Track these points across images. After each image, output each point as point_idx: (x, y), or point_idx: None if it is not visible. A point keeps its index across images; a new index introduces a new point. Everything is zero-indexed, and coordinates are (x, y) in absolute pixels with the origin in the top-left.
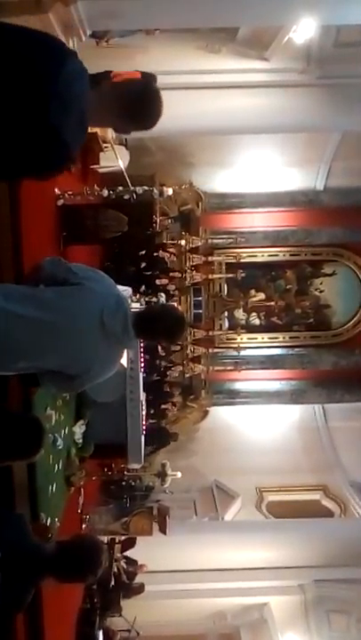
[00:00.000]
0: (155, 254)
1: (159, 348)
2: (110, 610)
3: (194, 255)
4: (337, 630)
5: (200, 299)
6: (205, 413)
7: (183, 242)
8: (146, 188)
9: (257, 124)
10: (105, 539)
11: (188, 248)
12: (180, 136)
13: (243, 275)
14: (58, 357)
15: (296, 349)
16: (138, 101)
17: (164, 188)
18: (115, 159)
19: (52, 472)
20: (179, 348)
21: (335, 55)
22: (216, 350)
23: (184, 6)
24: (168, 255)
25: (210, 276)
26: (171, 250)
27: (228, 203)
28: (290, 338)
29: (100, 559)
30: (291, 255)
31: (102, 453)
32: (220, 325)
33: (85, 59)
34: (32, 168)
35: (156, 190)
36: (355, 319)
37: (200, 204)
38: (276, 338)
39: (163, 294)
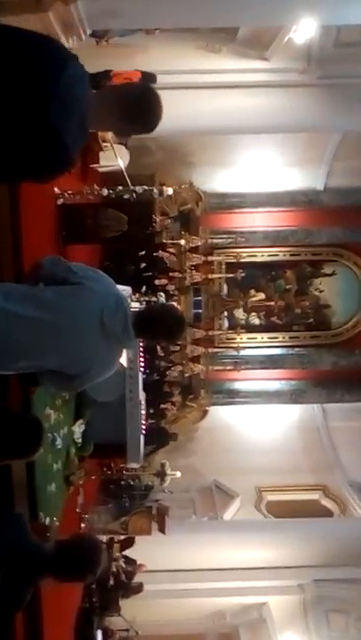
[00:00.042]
0: (154, 254)
1: (158, 347)
2: (109, 609)
3: (194, 255)
4: (336, 630)
5: (200, 298)
6: (205, 413)
7: (183, 241)
8: (146, 187)
9: (257, 124)
10: (104, 538)
11: (187, 248)
12: (180, 135)
13: (243, 274)
14: (58, 357)
15: (296, 349)
16: (138, 105)
17: (164, 188)
18: (114, 158)
19: (52, 471)
20: (178, 347)
21: (336, 55)
22: (216, 350)
23: (184, 6)
24: (168, 255)
25: (210, 276)
26: (170, 249)
27: (228, 202)
28: (290, 338)
29: (99, 559)
30: (291, 255)
31: (102, 453)
32: (220, 325)
33: (85, 58)
34: (32, 171)
35: (155, 190)
36: (355, 319)
37: (200, 203)
38: (275, 338)
39: (162, 294)
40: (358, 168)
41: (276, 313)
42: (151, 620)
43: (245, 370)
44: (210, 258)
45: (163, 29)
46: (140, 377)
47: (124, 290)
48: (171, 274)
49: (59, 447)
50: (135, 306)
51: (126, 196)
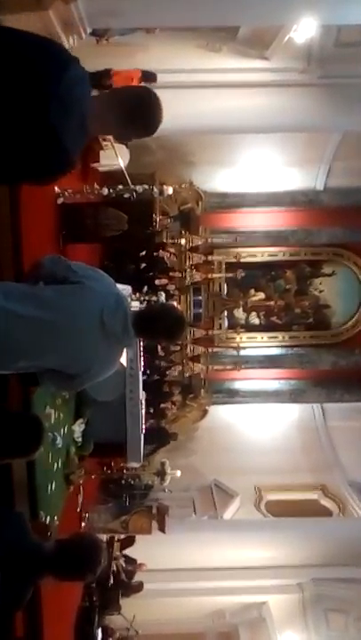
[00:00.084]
0: (155, 254)
1: (159, 347)
2: (109, 608)
3: (194, 254)
4: (335, 629)
5: (200, 298)
6: (205, 412)
7: (183, 241)
8: (146, 186)
9: (257, 124)
10: (104, 537)
11: (187, 247)
12: (180, 135)
13: (242, 274)
14: (58, 357)
15: (295, 349)
16: (138, 108)
17: (165, 187)
18: (115, 157)
19: (52, 470)
20: (178, 347)
21: (336, 55)
22: (216, 349)
23: (184, 5)
24: (168, 255)
25: (210, 276)
26: (170, 249)
27: (229, 202)
28: (289, 337)
29: (100, 558)
30: (290, 255)
31: (102, 452)
32: (220, 325)
33: (85, 57)
34: (32, 173)
35: (156, 189)
36: (354, 319)
37: (200, 203)
38: (275, 337)
39: (162, 293)
40: (358, 168)
41: (276, 313)
42: (151, 619)
43: (245, 369)
44: (210, 257)
45: (163, 28)
46: (141, 376)
47: (124, 289)
48: (171, 273)
49: (59, 446)
50: (135, 305)
51: (126, 196)
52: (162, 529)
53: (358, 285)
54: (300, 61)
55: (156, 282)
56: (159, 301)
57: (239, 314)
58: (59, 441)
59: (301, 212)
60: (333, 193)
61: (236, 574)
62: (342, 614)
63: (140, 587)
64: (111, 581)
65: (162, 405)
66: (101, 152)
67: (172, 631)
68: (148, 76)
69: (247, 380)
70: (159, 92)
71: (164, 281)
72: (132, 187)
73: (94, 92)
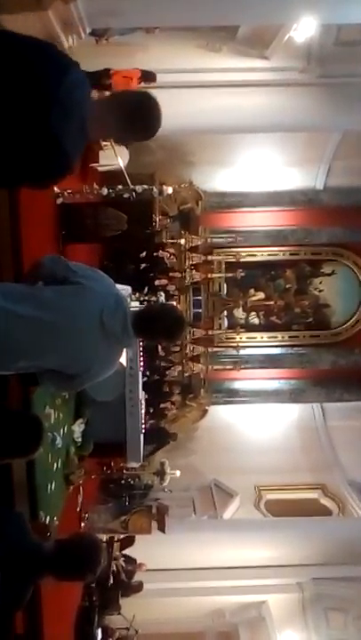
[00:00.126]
0: (154, 254)
1: (159, 347)
2: (109, 608)
3: (193, 254)
4: (335, 628)
5: (199, 298)
6: (204, 412)
7: (183, 241)
8: (146, 186)
9: (257, 123)
10: (104, 537)
11: (187, 247)
12: (180, 135)
13: (242, 274)
14: (58, 357)
15: (295, 349)
16: (137, 112)
17: (164, 187)
18: (114, 157)
19: (52, 471)
20: (178, 347)
21: (336, 54)
22: (215, 349)
23: (184, 4)
24: (168, 255)
25: (209, 276)
26: (170, 249)
27: (228, 202)
28: (289, 337)
29: (99, 558)
30: (290, 254)
31: (101, 452)
32: (220, 324)
33: (85, 57)
34: (32, 176)
35: (155, 189)
36: (354, 318)
37: (200, 202)
38: (275, 337)
39: (162, 293)
40: (358, 167)
41: (276, 312)
42: (151, 619)
43: (245, 369)
44: (210, 257)
45: (163, 28)
46: (140, 376)
47: (124, 289)
48: (171, 274)
49: (59, 446)
50: (135, 305)
51: (126, 196)
52: (162, 529)
53: (358, 285)
54: (300, 61)
55: (156, 282)
56: (159, 301)
57: (239, 313)
58: (58, 441)
59: (301, 211)
60: (333, 192)
61: (236, 574)
62: (342, 613)
63: (139, 586)
64: (111, 581)
65: (161, 405)
66: (101, 152)
67: (172, 631)
68: (148, 76)
69: (247, 380)
70: (159, 92)
71: (164, 281)
72: (131, 187)
73: (94, 93)
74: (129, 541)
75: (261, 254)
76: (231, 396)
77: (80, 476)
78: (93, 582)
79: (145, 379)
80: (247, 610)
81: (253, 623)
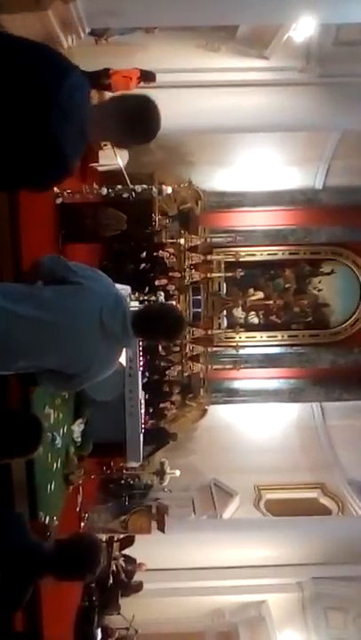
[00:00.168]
0: (154, 254)
1: (159, 347)
2: (109, 608)
3: (193, 254)
4: (334, 627)
5: (199, 297)
6: (204, 412)
7: (182, 240)
8: (145, 186)
9: (256, 123)
10: (104, 537)
11: (187, 247)
12: (179, 134)
13: (242, 273)
14: (58, 357)
15: (295, 348)
16: (137, 115)
17: (164, 187)
18: (114, 157)
19: (51, 471)
20: (178, 347)
21: (335, 54)
22: (215, 349)
23: (184, 4)
24: (167, 255)
25: (209, 275)
26: (169, 249)
27: (228, 201)
28: (288, 336)
29: (99, 558)
30: (290, 254)
31: (101, 452)
32: (219, 324)
33: (84, 56)
34: (31, 179)
35: (155, 189)
36: (353, 318)
37: (199, 202)
38: (274, 336)
39: (162, 293)
40: (357, 167)
41: (275, 312)
42: (151, 619)
43: (244, 369)
44: (209, 257)
45: (162, 28)
46: (140, 376)
47: (123, 289)
48: (170, 273)
49: (58, 446)
50: (135, 305)
51: (125, 195)
52: (161, 528)
53: (357, 284)
54: (300, 60)
55: (156, 282)
56: (158, 301)
57: (238, 313)
58: (58, 441)
59: (301, 211)
60: (333, 192)
61: (236, 573)
62: (342, 612)
63: (139, 586)
64: (111, 581)
65: (161, 405)
66: (100, 152)
67: (172, 630)
68: (148, 76)
69: (246, 380)
70: (158, 92)
71: (164, 281)
72: (131, 186)
73: (93, 93)
74: (129, 541)
75: (261, 254)
76: (231, 395)
77: (80, 476)
78: (93, 582)
79: (145, 379)
80: (247, 609)
81: (253, 623)
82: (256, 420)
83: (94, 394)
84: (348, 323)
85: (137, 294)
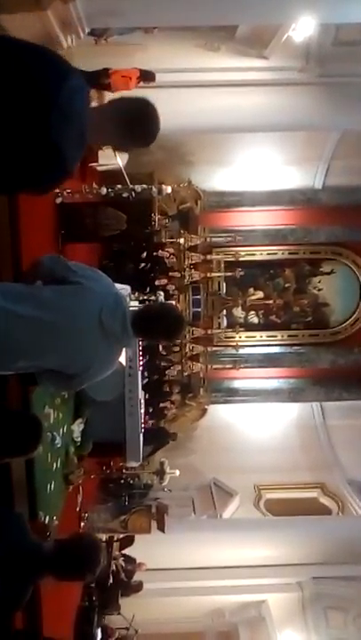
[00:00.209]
0: (154, 253)
1: (159, 347)
2: (109, 608)
3: (192, 254)
4: (334, 627)
5: (199, 297)
6: (204, 412)
7: (182, 240)
8: (145, 186)
9: (256, 123)
10: (103, 537)
11: (186, 246)
12: (179, 134)
13: (241, 273)
14: (57, 357)
15: (294, 348)
16: (137, 118)
17: (163, 187)
18: (113, 157)
19: (51, 470)
20: (177, 346)
21: (334, 54)
22: (215, 349)
23: (183, 4)
24: (167, 254)
25: (208, 275)
26: (169, 249)
27: (227, 201)
28: (288, 336)
29: (99, 558)
30: (289, 254)
31: (101, 452)
32: (219, 324)
33: (84, 56)
34: (30, 182)
35: (154, 188)
36: (353, 317)
37: (199, 202)
38: (274, 336)
39: (161, 293)
40: (357, 167)
41: (275, 311)
42: (150, 619)
43: (244, 368)
44: (209, 256)
45: (162, 28)
46: (140, 376)
47: (123, 289)
48: (170, 273)
49: (58, 446)
50: (134, 305)
51: (125, 195)
52: (161, 528)
53: (357, 284)
54: (299, 60)
55: (156, 282)
56: (158, 301)
57: (238, 313)
58: (58, 441)
59: (300, 210)
60: (332, 191)
61: (236, 573)
62: (342, 612)
63: (139, 586)
64: (110, 581)
65: (161, 405)
66: (100, 152)
67: (172, 630)
68: (147, 76)
69: (246, 379)
70: (158, 92)
71: (164, 281)
72: (130, 186)
73: (93, 92)
74: (128, 541)
75: (260, 253)
76: (231, 395)
77: (79, 476)
78: (93, 582)
79: (145, 379)
80: (247, 609)
81: (253, 623)
82: (256, 420)
83: (94, 394)
84: (347, 322)
85: (137, 294)
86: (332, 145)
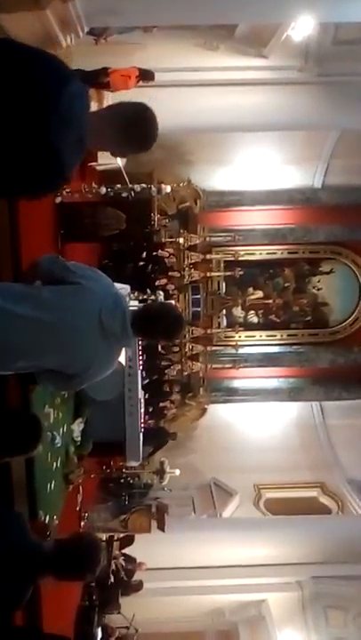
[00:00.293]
0: (153, 253)
1: (159, 346)
2: (109, 607)
3: (192, 253)
4: (334, 626)
5: (198, 297)
6: (204, 411)
7: (181, 240)
8: (144, 185)
9: (255, 122)
10: (104, 536)
11: (186, 246)
12: (178, 133)
13: (241, 273)
14: (57, 357)
15: (294, 347)
16: (135, 123)
17: (163, 186)
18: (113, 157)
19: (51, 470)
20: (177, 346)
21: (334, 53)
22: (214, 348)
23: (183, 3)
24: (167, 254)
25: (208, 274)
26: (169, 248)
27: (227, 200)
28: (288, 336)
29: (99, 557)
30: (289, 253)
31: (101, 451)
32: (219, 323)
33: (83, 56)
34: (29, 187)
35: (154, 188)
36: (352, 317)
37: (198, 201)
38: (274, 336)
39: (161, 292)
40: (356, 166)
41: (275, 311)
42: (151, 618)
43: (244, 368)
44: (208, 256)
45: (161, 27)
46: (140, 376)
47: (122, 288)
48: (170, 273)
49: (58, 446)
50: (134, 304)
51: (125, 195)
52: (161, 528)
53: (356, 283)
54: (298, 59)
55: (155, 281)
56: (158, 300)
57: (238, 312)
58: (58, 440)
59: (299, 210)
60: (331, 191)
61: (236, 572)
62: (341, 611)
63: (139, 585)
64: (111, 580)
65: (161, 404)
66: (99, 151)
67: (172, 630)
68: (146, 75)
69: (246, 379)
70: (157, 91)
71: (163, 280)
72: (130, 186)
73: (92, 92)
74: (128, 540)
75: (260, 253)
76: (230, 394)
77: (79, 476)
78: (93, 581)
79: (145, 378)
80: (247, 608)
81: (253, 622)
82: (256, 420)
83: (94, 393)
84: (347, 322)
85: (136, 294)
86: (332, 144)
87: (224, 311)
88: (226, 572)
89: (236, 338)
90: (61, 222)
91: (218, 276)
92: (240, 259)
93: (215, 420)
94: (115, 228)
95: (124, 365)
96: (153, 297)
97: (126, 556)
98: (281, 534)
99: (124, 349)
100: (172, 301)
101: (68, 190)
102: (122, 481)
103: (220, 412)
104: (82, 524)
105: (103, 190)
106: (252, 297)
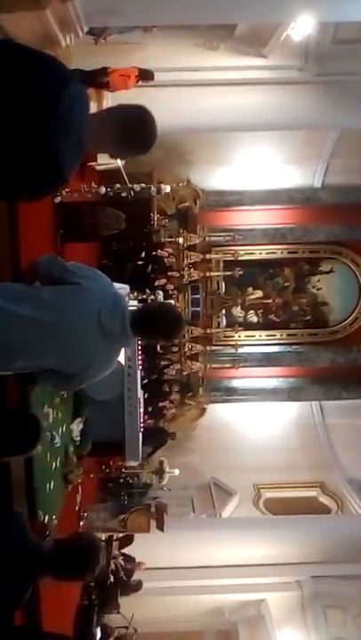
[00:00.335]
0: (153, 253)
1: (158, 346)
2: (108, 607)
3: (191, 253)
4: (334, 626)
5: (198, 296)
6: (203, 411)
7: (181, 239)
8: (144, 185)
9: (255, 122)
10: (103, 536)
11: (185, 246)
12: (178, 133)
13: (241, 272)
14: (57, 357)
15: (294, 347)
16: (134, 125)
17: (162, 186)
18: (112, 158)
19: (50, 470)
20: (177, 346)
21: (333, 52)
22: (214, 348)
23: (183, 3)
24: (166, 254)
25: (208, 274)
26: (168, 248)
27: (226, 200)
28: (287, 335)
29: (98, 557)
30: (288, 253)
31: (100, 451)
32: (218, 323)
33: (83, 55)
34: (27, 189)
35: (153, 188)
36: (352, 316)
37: (198, 201)
38: (273, 335)
39: (160, 292)
40: (356, 165)
41: (274, 311)
42: (150, 618)
43: (243, 367)
44: (208, 256)
45: (161, 27)
46: (139, 375)
47: (122, 288)
48: (169, 272)
49: (57, 445)
50: (133, 304)
51: (124, 194)
52: (160, 527)
53: (356, 283)
54: (298, 59)
55: (155, 281)
56: (157, 300)
57: (237, 312)
58: (57, 440)
59: (299, 209)
60: (331, 190)
61: (235, 572)
62: (341, 611)
63: (138, 585)
64: (110, 580)
65: (160, 404)
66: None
67: (171, 629)
68: (146, 75)
69: (245, 379)
70: (157, 91)
71: (163, 280)
72: (129, 185)
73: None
74: (128, 540)
75: (260, 252)
76: (230, 394)
77: (79, 475)
78: (92, 581)
79: (144, 378)
80: (246, 608)
81: (253, 621)
82: (255, 419)
83: (93, 393)
84: (347, 321)
85: (136, 293)
86: (331, 144)
87: (223, 311)
88: (225, 571)
89: (236, 337)
90: (61, 222)
91: (217, 275)
92: (240, 258)
93: (215, 419)
94: (114, 228)
95: (123, 365)
96: (152, 297)
97: (125, 555)
98: (280, 534)
99: (123, 349)
100: (172, 301)
101: (67, 190)
102: (121, 481)
103: (220, 412)
104: (81, 523)
105: (103, 190)
106: (252, 297)
